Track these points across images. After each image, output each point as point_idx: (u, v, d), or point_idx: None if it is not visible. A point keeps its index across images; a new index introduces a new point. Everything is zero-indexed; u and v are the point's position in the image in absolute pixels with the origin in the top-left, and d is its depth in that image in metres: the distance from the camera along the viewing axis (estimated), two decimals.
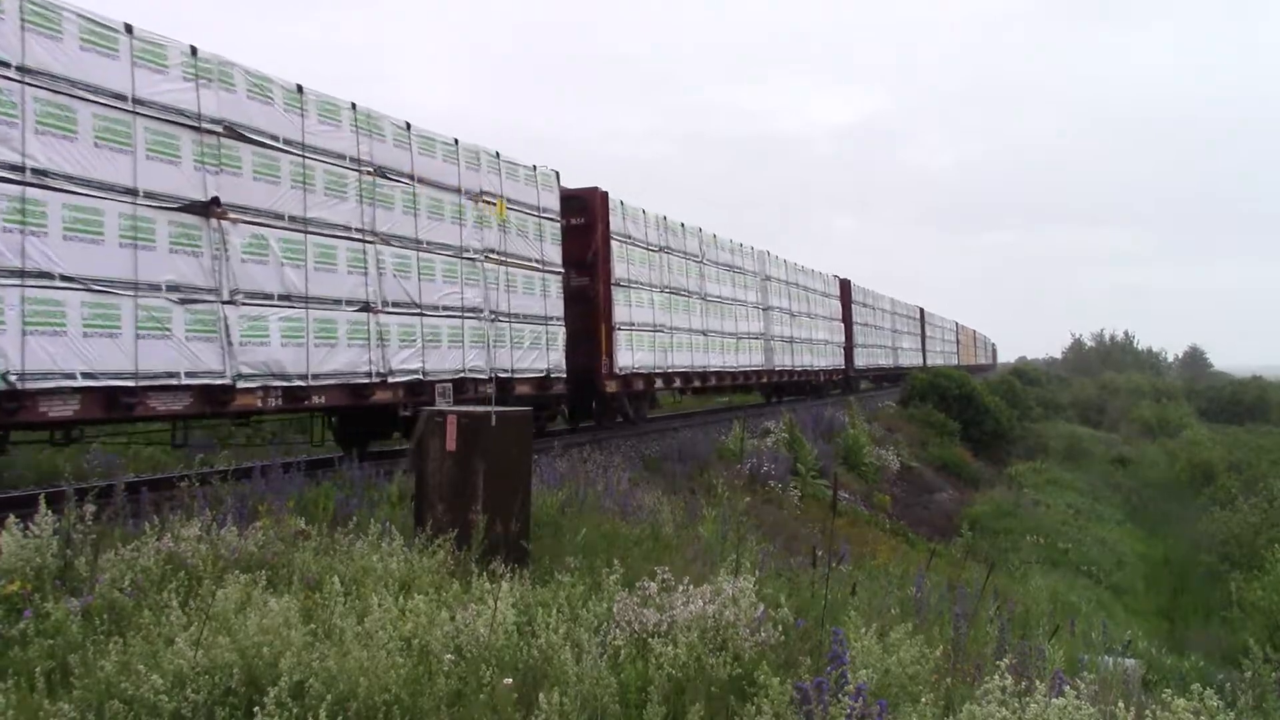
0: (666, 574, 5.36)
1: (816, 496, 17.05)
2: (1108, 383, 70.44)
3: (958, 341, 69.70)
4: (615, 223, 17.45)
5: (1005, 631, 6.03)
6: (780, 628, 4.92)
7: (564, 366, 15.51)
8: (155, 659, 4.02)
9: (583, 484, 9.89)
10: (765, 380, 26.53)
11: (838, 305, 34.42)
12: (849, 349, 35.34)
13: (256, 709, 3.65)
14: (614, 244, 17.31)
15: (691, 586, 5.22)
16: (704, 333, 21.43)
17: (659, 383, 19.27)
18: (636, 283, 18.14)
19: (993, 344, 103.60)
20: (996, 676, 3.89)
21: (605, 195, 17.19)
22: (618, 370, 17.05)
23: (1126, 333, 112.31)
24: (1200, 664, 10.14)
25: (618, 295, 17.28)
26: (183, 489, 7.45)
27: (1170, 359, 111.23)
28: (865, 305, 38.75)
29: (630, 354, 17.56)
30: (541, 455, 11.91)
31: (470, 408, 7.31)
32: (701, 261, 21.76)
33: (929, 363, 53.24)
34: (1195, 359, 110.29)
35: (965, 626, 5.59)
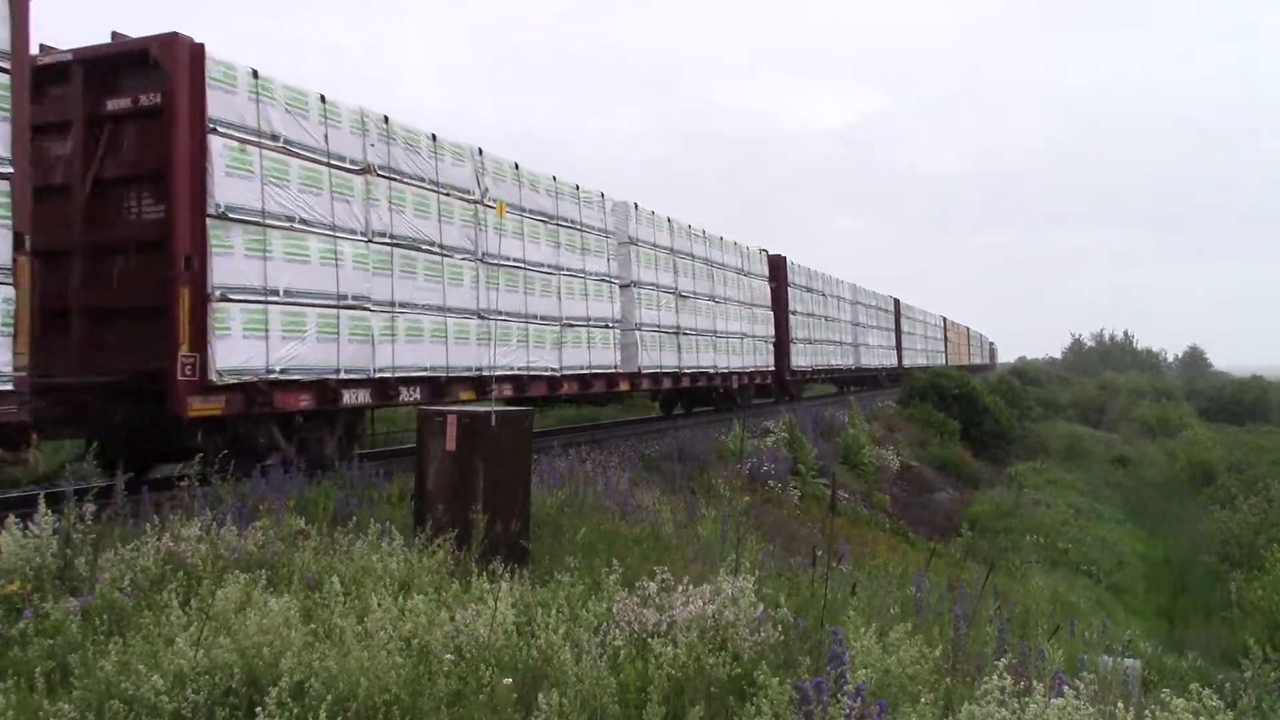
0: (666, 574, 5.36)
1: (816, 496, 17.06)
2: (1108, 383, 70.54)
3: (945, 339, 61.76)
4: (224, 105, 9.55)
5: (1005, 631, 6.03)
6: (780, 627, 4.92)
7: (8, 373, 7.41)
8: (155, 659, 4.03)
9: (582, 484, 9.89)
10: (627, 387, 18.00)
11: (764, 288, 25.91)
12: (783, 344, 27.05)
13: (257, 709, 3.66)
14: (218, 143, 9.42)
15: (691, 586, 5.22)
16: (479, 314, 13.12)
17: (359, 396, 11.16)
18: (287, 221, 10.14)
19: (991, 343, 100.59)
20: (995, 677, 3.89)
21: (199, 51, 9.38)
22: (220, 375, 9.26)
23: (1126, 333, 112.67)
24: (1200, 664, 10.15)
25: (226, 237, 9.44)
26: (183, 489, 7.44)
27: (1170, 359, 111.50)
28: (809, 290, 30.36)
29: (264, 347, 9.76)
30: (541, 455, 11.91)
31: (470, 408, 7.30)
32: (479, 201, 13.26)
33: (907, 363, 46.28)
34: (1195, 359, 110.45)
35: (965, 626, 5.59)
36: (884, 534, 16.89)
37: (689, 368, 20.55)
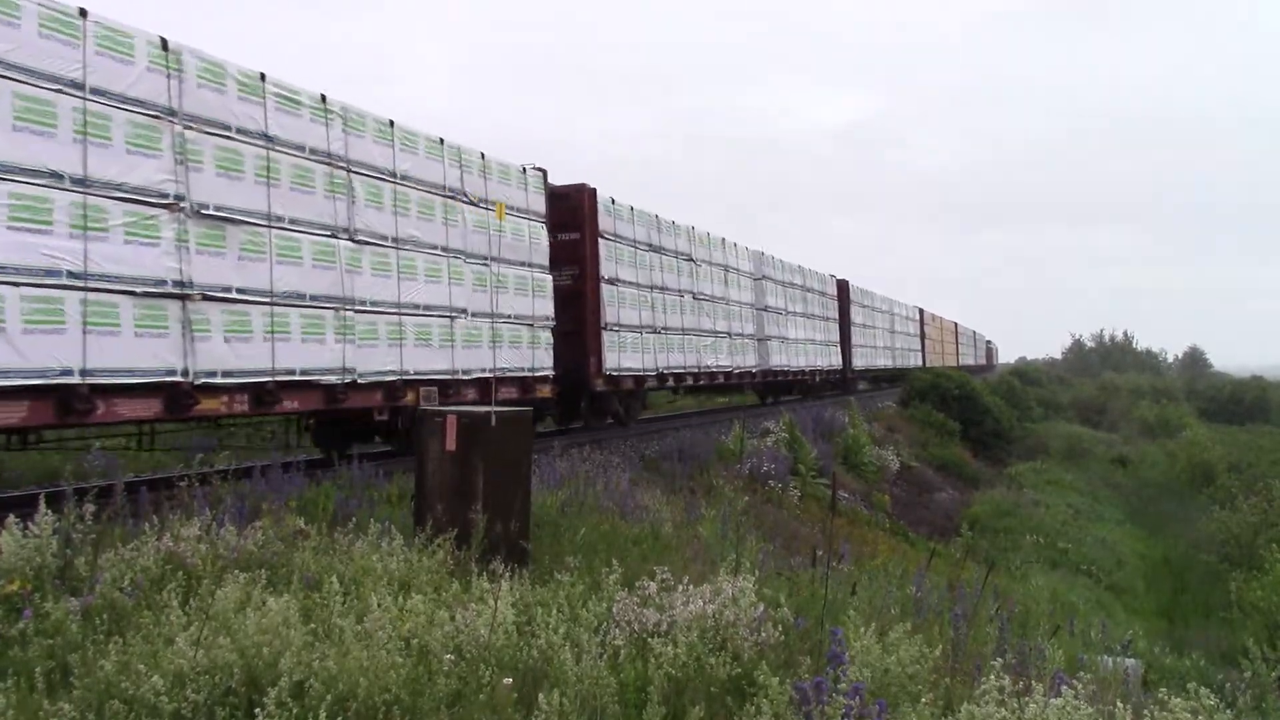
0: (666, 574, 5.37)
1: (816, 496, 17.05)
2: (1108, 383, 70.50)
3: (922, 335, 51.47)
4: None
5: (1005, 631, 6.04)
6: (780, 628, 4.93)
7: None
8: (155, 659, 4.03)
9: (582, 484, 9.89)
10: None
11: (533, 236, 14.80)
12: (581, 334, 16.40)
13: (257, 709, 3.66)
14: None
15: (691, 586, 5.23)
16: None
17: None
18: None
19: (988, 342, 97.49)
20: (995, 676, 3.90)
21: None
22: None
23: (1126, 333, 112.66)
24: (1200, 664, 10.16)
25: None
26: (182, 489, 7.45)
27: (1170, 359, 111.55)
28: (652, 249, 19.10)
29: None
30: (541, 455, 11.91)
31: (470, 408, 7.30)
32: None
33: (860, 364, 36.54)
34: (1195, 359, 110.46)
35: (964, 626, 5.60)
36: (884, 534, 16.88)
37: (287, 371, 9.95)
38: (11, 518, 5.48)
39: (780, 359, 26.65)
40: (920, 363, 48.48)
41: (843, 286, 35.14)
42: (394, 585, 5.34)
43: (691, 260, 21.23)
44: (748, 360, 24.17)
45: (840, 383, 35.39)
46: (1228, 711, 4.19)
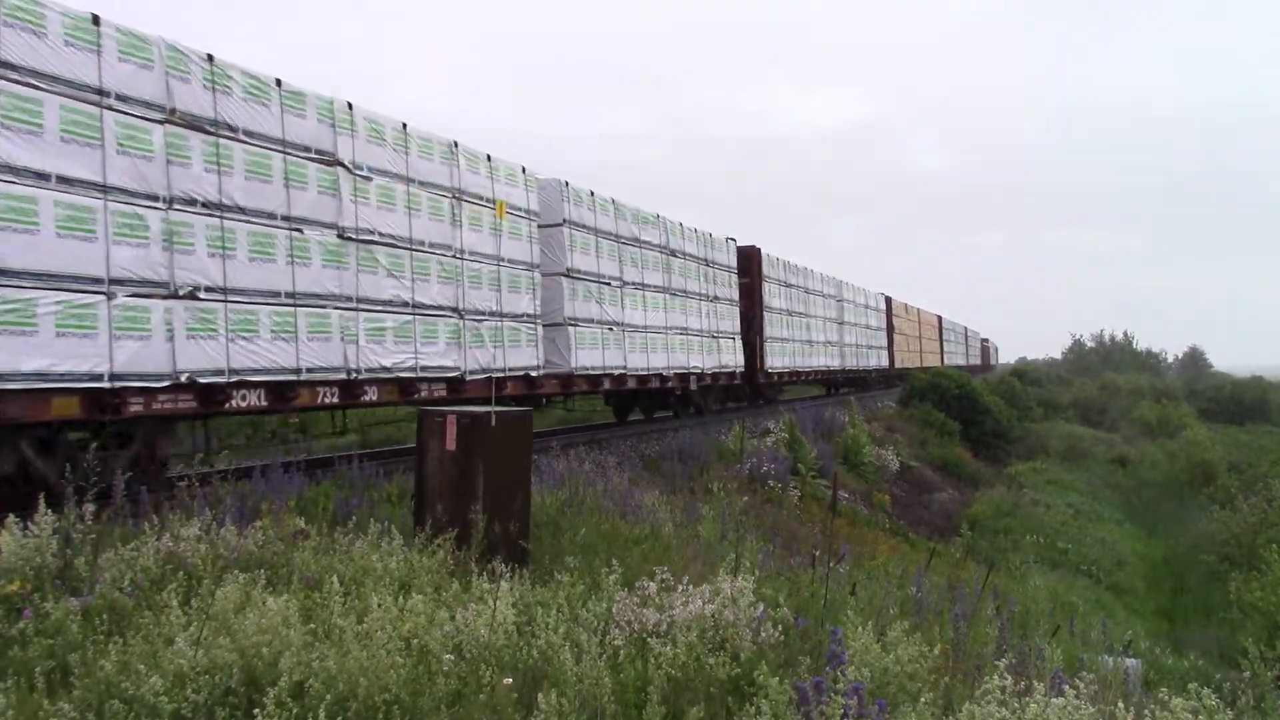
0: (666, 574, 5.37)
1: (816, 496, 17.05)
2: (1108, 383, 70.54)
3: (890, 328, 41.42)
4: None
5: (1005, 631, 6.04)
6: (780, 628, 4.93)
7: None
8: (155, 659, 4.03)
9: (582, 484, 9.89)
10: None
11: None
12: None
13: (256, 709, 3.66)
14: None
15: (691, 586, 5.22)
16: None
17: None
18: None
19: (983, 339, 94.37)
20: (996, 676, 3.90)
21: None
22: None
23: (1126, 333, 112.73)
24: (1200, 664, 10.17)
25: None
26: (182, 489, 7.44)
27: (1170, 359, 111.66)
28: (139, 111, 8.30)
29: None
30: (541, 455, 11.91)
31: (470, 408, 7.30)
32: None
33: (779, 363, 26.06)
34: (1195, 359, 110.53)
35: (965, 626, 5.60)
36: (884, 534, 16.88)
37: None
38: (11, 517, 5.48)
39: (599, 357, 16.45)
40: (886, 363, 39.83)
41: (750, 256, 24.66)
42: (394, 585, 5.33)
43: (338, 164, 10.74)
44: (520, 358, 14.16)
45: (748, 389, 25.24)
46: (1228, 712, 4.18)
